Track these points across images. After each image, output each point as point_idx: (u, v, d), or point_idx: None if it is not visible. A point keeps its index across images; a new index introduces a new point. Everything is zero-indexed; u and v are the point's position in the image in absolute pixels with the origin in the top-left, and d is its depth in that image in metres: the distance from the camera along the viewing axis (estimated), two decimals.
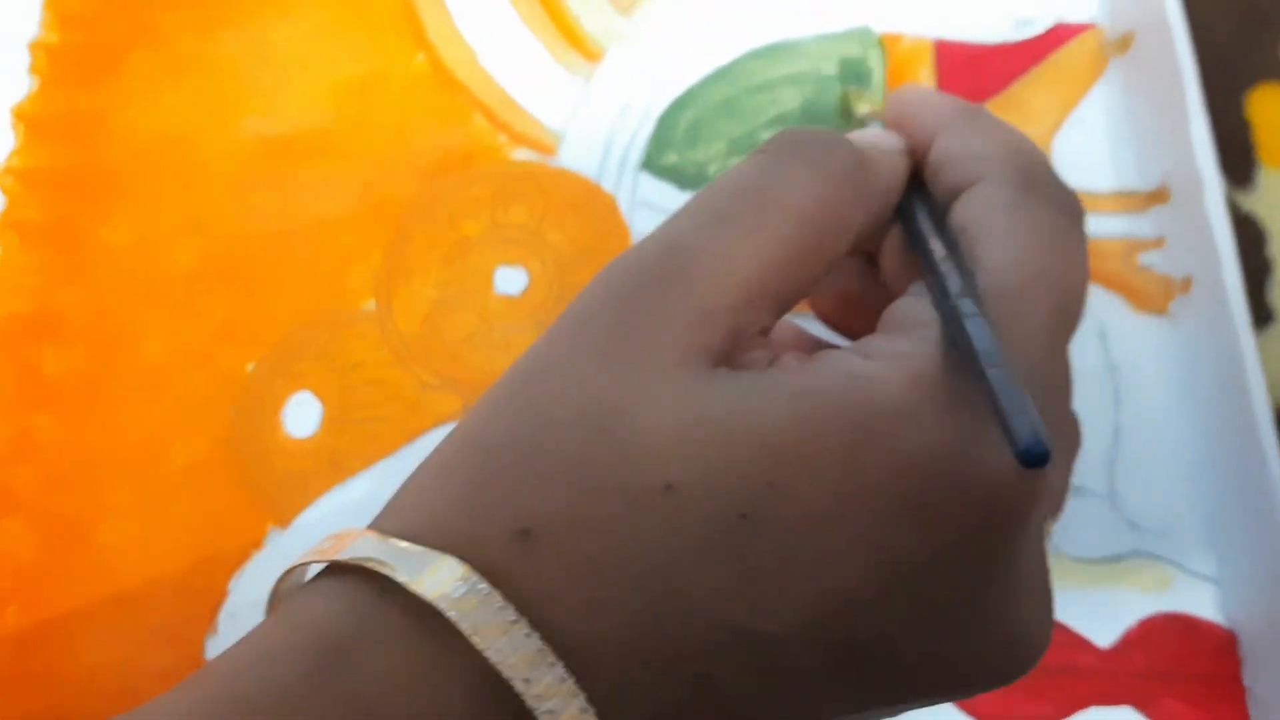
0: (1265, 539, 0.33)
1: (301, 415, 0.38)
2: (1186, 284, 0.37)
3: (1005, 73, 0.40)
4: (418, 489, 0.22)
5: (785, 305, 0.23)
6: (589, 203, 0.40)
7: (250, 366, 0.38)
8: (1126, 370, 0.37)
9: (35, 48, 0.42)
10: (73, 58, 0.42)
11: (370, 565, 0.20)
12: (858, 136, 0.27)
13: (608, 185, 0.40)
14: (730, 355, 0.22)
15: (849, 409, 0.20)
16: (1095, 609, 0.35)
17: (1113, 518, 0.36)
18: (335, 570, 0.21)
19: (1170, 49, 0.37)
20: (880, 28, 0.41)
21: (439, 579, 0.19)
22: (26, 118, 0.41)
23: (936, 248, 0.23)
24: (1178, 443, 0.36)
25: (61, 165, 0.41)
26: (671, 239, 0.23)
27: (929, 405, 0.20)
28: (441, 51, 0.42)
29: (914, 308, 0.23)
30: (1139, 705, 0.34)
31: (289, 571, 0.22)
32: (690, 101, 0.41)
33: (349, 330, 0.39)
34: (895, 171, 0.26)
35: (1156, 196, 0.38)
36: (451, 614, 0.19)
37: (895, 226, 0.26)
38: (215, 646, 0.35)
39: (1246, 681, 0.34)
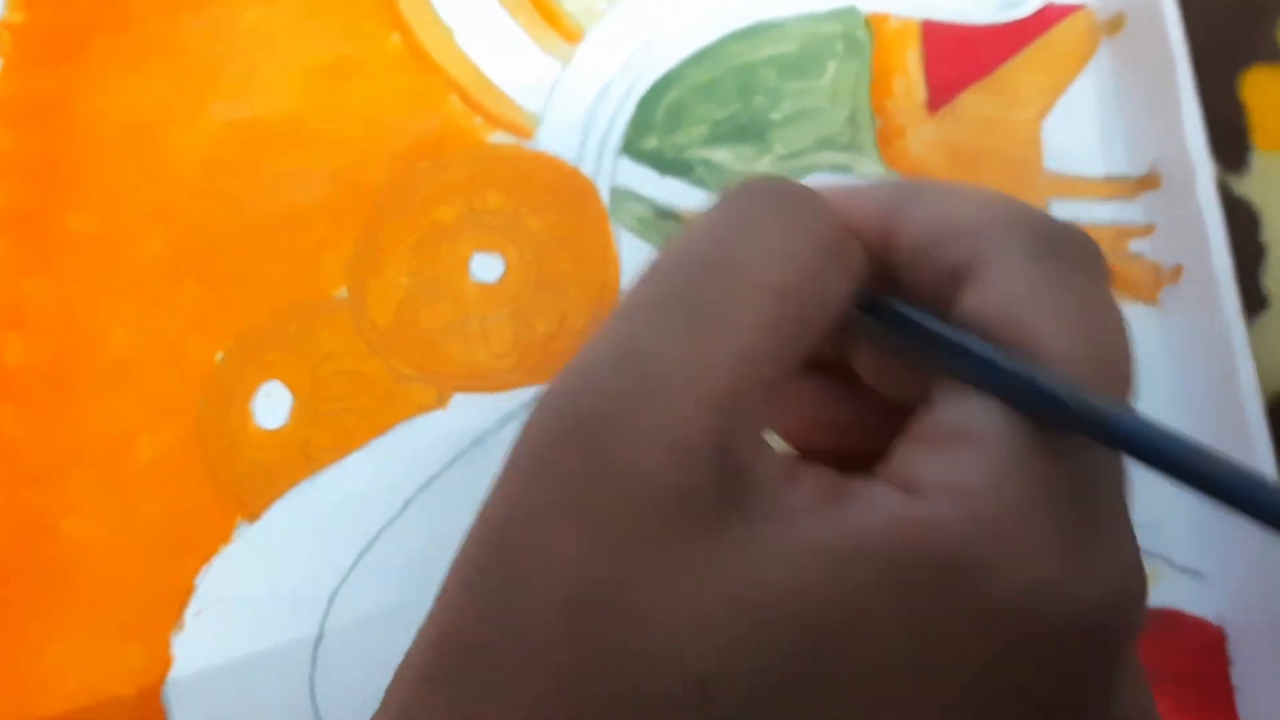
0: (1255, 532, 0.32)
1: (271, 406, 0.37)
2: (1177, 273, 0.36)
3: (994, 55, 0.39)
4: (396, 702, 0.19)
5: (772, 395, 0.19)
6: (567, 187, 0.39)
7: (219, 356, 0.37)
8: None
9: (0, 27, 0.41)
10: (38, 38, 0.41)
11: None
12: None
13: (587, 169, 0.39)
14: (729, 483, 0.18)
15: (907, 566, 0.17)
16: None
17: None
18: None
19: (1162, 31, 0.36)
20: (866, 7, 0.40)
21: None
22: None
23: (967, 339, 0.19)
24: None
25: (26, 151, 0.40)
26: (627, 348, 0.18)
27: (1008, 546, 0.17)
28: (417, 31, 0.41)
29: (958, 414, 0.18)
30: None
31: None
32: (671, 84, 0.40)
33: (321, 319, 0.38)
34: (861, 250, 0.21)
35: (1147, 182, 0.37)
36: None
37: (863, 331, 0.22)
38: (182, 644, 0.35)
39: (1235, 679, 0.34)
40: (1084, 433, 0.17)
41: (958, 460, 0.18)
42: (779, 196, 0.20)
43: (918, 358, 0.20)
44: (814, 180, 0.21)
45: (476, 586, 0.18)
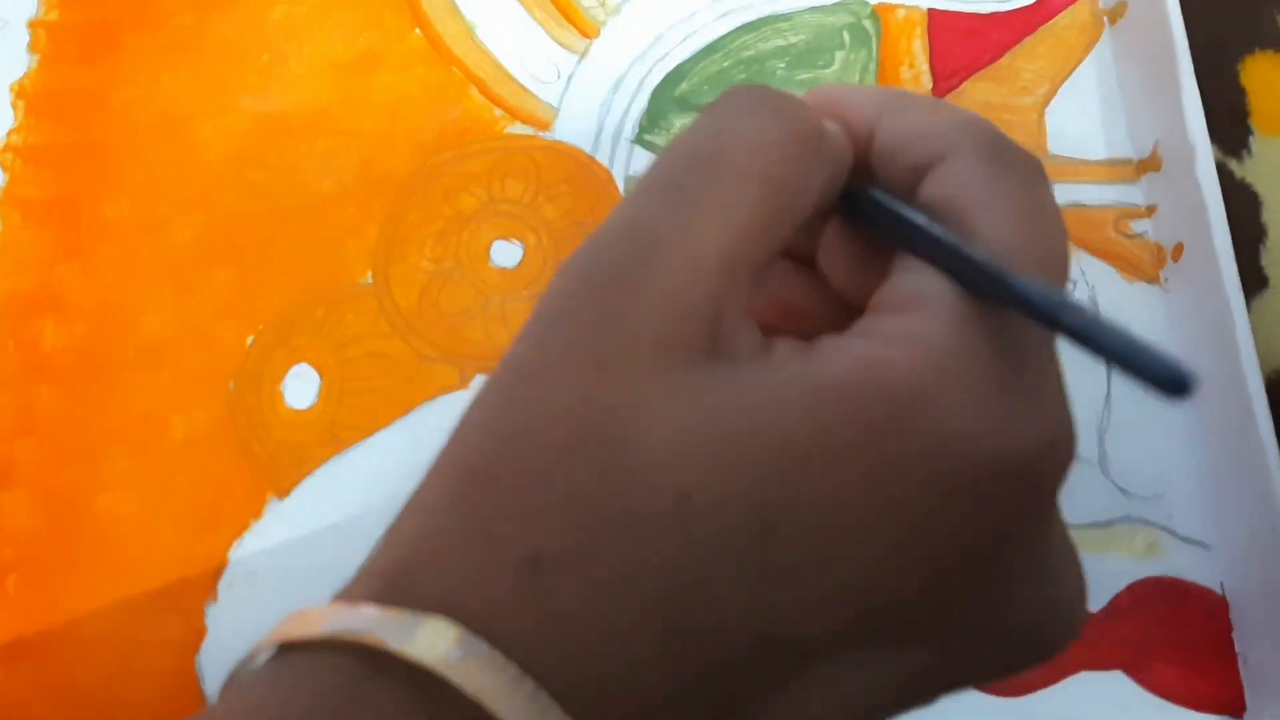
0: (1257, 503, 0.33)
1: (300, 388, 0.38)
2: (1178, 251, 0.37)
3: (999, 42, 0.41)
4: (413, 522, 0.20)
5: (760, 275, 0.22)
6: (584, 177, 0.40)
7: (250, 340, 0.39)
8: None
9: (35, 25, 0.42)
10: (72, 35, 0.43)
11: (357, 638, 0.18)
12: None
13: (602, 159, 0.40)
14: (718, 342, 0.20)
15: (867, 401, 0.19)
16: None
17: (1103, 484, 0.36)
18: (296, 649, 0.19)
19: (1163, 17, 0.37)
20: None
21: (432, 643, 0.18)
22: (27, 95, 0.42)
23: (923, 220, 0.22)
24: (1169, 409, 0.36)
25: (62, 142, 0.41)
26: (632, 222, 0.21)
27: (953, 387, 0.19)
28: (438, 27, 0.42)
29: (914, 283, 0.21)
30: (1129, 670, 0.34)
31: (248, 658, 0.20)
32: (682, 76, 0.41)
33: (346, 304, 0.39)
34: (843, 145, 0.23)
35: (1148, 164, 0.38)
36: (453, 678, 0.17)
37: (833, 220, 0.25)
38: (215, 614, 0.36)
39: (1238, 646, 0.34)
40: (1014, 305, 0.20)
41: (912, 317, 0.20)
42: (760, 98, 0.22)
43: (881, 239, 0.23)
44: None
45: (490, 422, 0.20)
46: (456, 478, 0.20)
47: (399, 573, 0.19)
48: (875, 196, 0.23)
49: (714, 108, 0.22)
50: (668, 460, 0.18)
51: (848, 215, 0.24)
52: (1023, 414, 0.19)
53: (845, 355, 0.20)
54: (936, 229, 0.21)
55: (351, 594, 0.20)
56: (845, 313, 0.23)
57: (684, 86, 0.41)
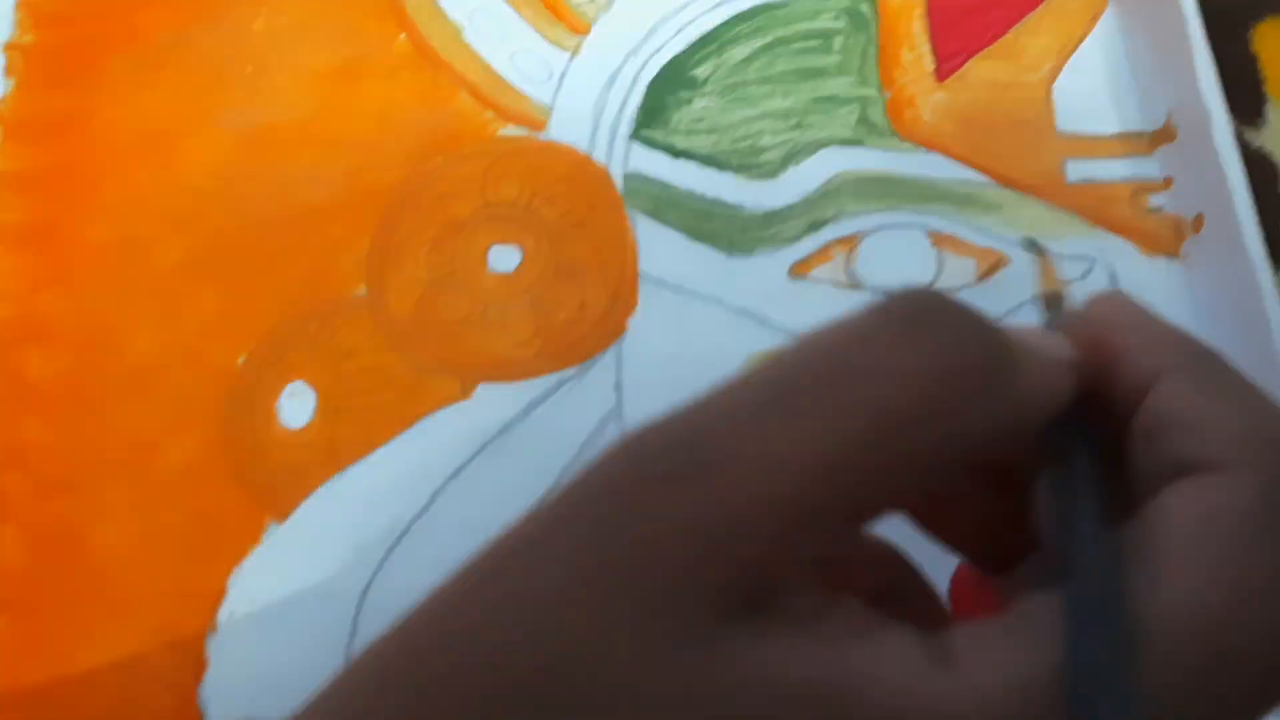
0: None
1: (296, 406, 0.37)
2: (1199, 222, 0.36)
3: (1000, 20, 0.39)
4: (345, 696, 0.18)
5: (852, 524, 0.17)
6: (580, 176, 0.39)
7: (241, 360, 0.37)
8: None
9: (10, 49, 0.41)
10: (50, 57, 0.41)
11: None
12: (1013, 329, 0.19)
13: (599, 157, 0.39)
14: (761, 592, 0.16)
15: None
16: None
17: None
18: None
19: None
20: None
21: None
22: (4, 120, 0.40)
23: (1087, 530, 0.17)
24: None
25: (42, 166, 0.40)
26: (710, 411, 0.17)
27: None
28: (424, 30, 0.41)
29: (1035, 592, 0.17)
30: None
31: None
32: (679, 68, 0.40)
33: (340, 318, 0.38)
34: (1050, 387, 0.19)
35: (1163, 135, 0.37)
36: None
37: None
38: (216, 646, 0.34)
39: None
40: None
41: (1008, 637, 0.16)
42: (922, 312, 0.18)
43: (1047, 523, 0.19)
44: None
45: (458, 618, 0.17)
46: (398, 659, 0.17)
47: None
48: (1067, 465, 0.18)
49: (865, 313, 0.18)
50: None
51: (1050, 461, 0.19)
52: None
53: (893, 669, 0.16)
54: (1084, 537, 0.17)
55: None
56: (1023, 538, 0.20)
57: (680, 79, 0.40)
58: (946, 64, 0.39)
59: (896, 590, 0.20)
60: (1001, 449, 0.19)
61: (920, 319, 0.17)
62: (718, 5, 0.40)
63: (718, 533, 0.16)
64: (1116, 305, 0.20)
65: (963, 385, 0.17)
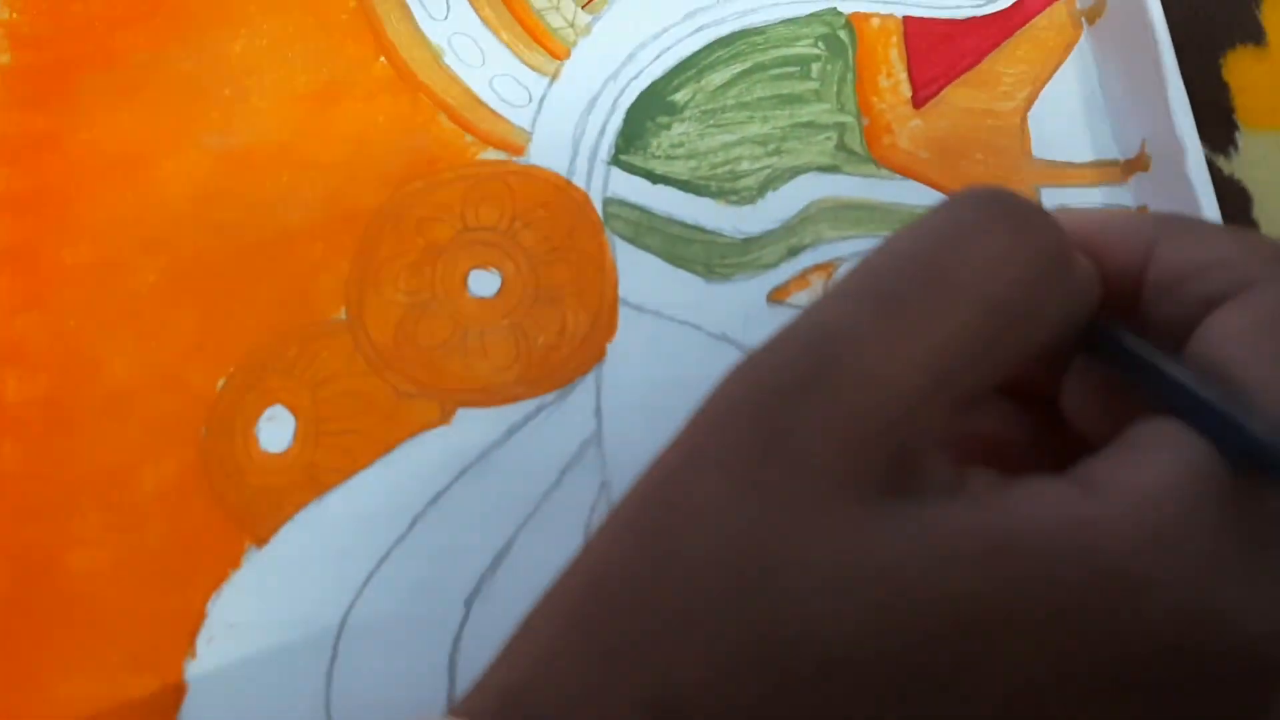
0: None
1: (275, 430, 0.37)
2: None
3: (977, 48, 0.40)
4: (536, 638, 0.19)
5: (967, 406, 0.19)
6: (560, 201, 0.39)
7: (220, 383, 0.37)
8: None
9: None
10: (25, 79, 0.41)
11: None
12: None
13: (579, 181, 0.39)
14: (902, 474, 0.17)
15: (1065, 566, 0.16)
16: None
17: None
18: None
19: (1144, 14, 0.37)
20: (847, 7, 0.40)
21: None
22: None
23: (1187, 378, 0.18)
24: None
25: (17, 188, 0.40)
26: (821, 325, 0.18)
27: (1173, 562, 0.16)
28: (403, 53, 0.41)
29: (1156, 430, 0.18)
30: None
31: None
32: (658, 93, 0.40)
33: (320, 342, 0.38)
34: (1091, 278, 0.20)
35: (1136, 164, 0.38)
36: None
37: (1079, 359, 0.21)
38: (195, 671, 0.34)
39: None
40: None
41: (1144, 470, 0.17)
42: (1004, 205, 0.19)
43: (1131, 392, 0.19)
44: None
45: (629, 540, 0.18)
46: (587, 598, 0.18)
47: (518, 690, 0.18)
48: (1126, 343, 0.20)
49: (946, 208, 0.19)
50: (821, 616, 0.16)
51: (1096, 355, 0.20)
52: (1257, 595, 0.17)
53: (1049, 507, 0.17)
54: (1203, 389, 0.18)
55: (470, 707, 0.18)
56: (1062, 453, 0.20)
57: (659, 104, 0.40)
58: (923, 91, 0.40)
59: (1014, 449, 0.22)
60: (1048, 359, 0.20)
61: (994, 211, 0.19)
62: (696, 31, 0.41)
63: (863, 430, 0.17)
64: (1077, 211, 0.22)
65: (1045, 272, 0.19)
